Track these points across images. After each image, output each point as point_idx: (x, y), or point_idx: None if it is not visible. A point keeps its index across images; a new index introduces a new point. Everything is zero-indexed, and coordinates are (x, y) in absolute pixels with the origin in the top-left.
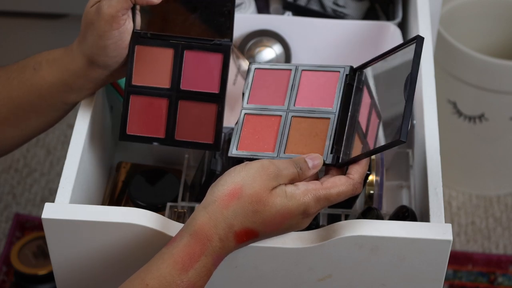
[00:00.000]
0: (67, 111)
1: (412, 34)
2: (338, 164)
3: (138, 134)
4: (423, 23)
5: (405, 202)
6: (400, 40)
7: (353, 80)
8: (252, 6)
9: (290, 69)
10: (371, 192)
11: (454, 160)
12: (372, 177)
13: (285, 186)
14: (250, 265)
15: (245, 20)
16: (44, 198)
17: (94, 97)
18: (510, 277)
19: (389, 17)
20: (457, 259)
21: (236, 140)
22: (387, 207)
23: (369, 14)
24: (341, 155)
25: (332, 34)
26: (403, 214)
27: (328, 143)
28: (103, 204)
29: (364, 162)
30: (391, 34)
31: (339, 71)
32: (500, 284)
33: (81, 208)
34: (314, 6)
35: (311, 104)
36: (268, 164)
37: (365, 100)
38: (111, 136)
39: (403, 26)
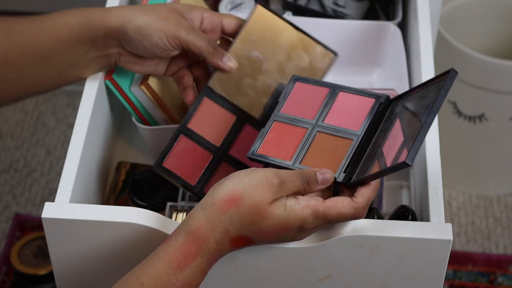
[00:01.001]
0: (64, 81)
1: (412, 34)
2: (349, 184)
3: (171, 171)
4: (423, 23)
5: (405, 202)
6: (400, 40)
7: (386, 110)
8: (252, 6)
9: (329, 88)
10: None
11: (454, 160)
12: None
13: (286, 199)
14: (250, 265)
15: None
16: (44, 198)
17: (94, 97)
18: (510, 277)
19: (389, 17)
20: (457, 259)
21: (258, 143)
22: (387, 207)
23: (369, 14)
24: (353, 177)
25: (332, 34)
26: (403, 214)
27: (344, 162)
28: (103, 204)
29: (372, 187)
30: (391, 34)
31: (374, 99)
32: (500, 284)
33: (81, 207)
34: (314, 6)
35: (339, 123)
36: (273, 176)
37: (397, 134)
38: (111, 136)
39: (403, 26)
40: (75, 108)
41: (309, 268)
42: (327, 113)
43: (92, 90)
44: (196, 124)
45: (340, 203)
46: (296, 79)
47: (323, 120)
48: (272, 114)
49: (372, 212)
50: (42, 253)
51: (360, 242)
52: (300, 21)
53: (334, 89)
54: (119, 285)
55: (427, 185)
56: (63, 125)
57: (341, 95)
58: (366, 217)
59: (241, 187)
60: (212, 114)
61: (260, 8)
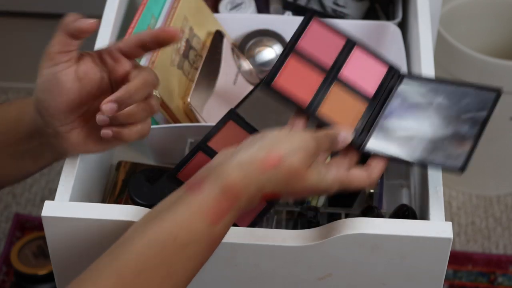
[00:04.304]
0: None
1: (412, 34)
2: (361, 149)
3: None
4: (423, 23)
5: (405, 201)
6: (400, 40)
7: (394, 84)
8: (252, 6)
9: (345, 39)
10: (371, 191)
11: None
12: None
13: (320, 164)
14: (250, 263)
15: (245, 20)
16: (44, 198)
17: None
18: (510, 277)
19: (389, 17)
20: (457, 259)
21: (274, 72)
22: (387, 206)
23: (369, 14)
24: (363, 143)
25: None
26: (403, 213)
27: (361, 125)
28: (102, 203)
29: (383, 165)
30: (391, 34)
31: (387, 67)
32: (500, 284)
33: (81, 206)
34: (314, 6)
35: (354, 81)
36: (310, 140)
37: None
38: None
39: (403, 26)
40: None
41: (309, 267)
42: (343, 65)
43: None
44: (217, 143)
45: (361, 179)
46: (312, 15)
47: (339, 71)
48: (287, 45)
49: (373, 211)
50: (42, 253)
51: (360, 241)
52: (300, 21)
53: (351, 42)
54: (147, 235)
55: (427, 184)
56: None
57: (357, 51)
58: (366, 216)
59: (283, 150)
60: (234, 136)
61: None
